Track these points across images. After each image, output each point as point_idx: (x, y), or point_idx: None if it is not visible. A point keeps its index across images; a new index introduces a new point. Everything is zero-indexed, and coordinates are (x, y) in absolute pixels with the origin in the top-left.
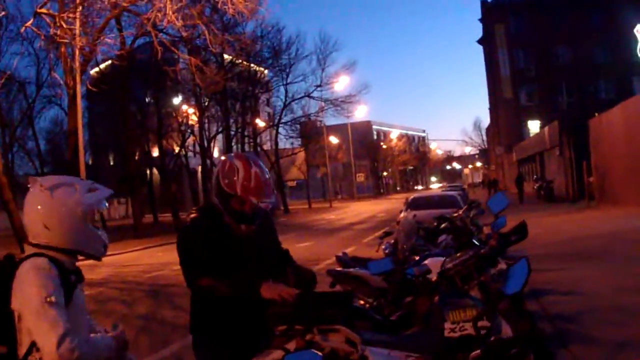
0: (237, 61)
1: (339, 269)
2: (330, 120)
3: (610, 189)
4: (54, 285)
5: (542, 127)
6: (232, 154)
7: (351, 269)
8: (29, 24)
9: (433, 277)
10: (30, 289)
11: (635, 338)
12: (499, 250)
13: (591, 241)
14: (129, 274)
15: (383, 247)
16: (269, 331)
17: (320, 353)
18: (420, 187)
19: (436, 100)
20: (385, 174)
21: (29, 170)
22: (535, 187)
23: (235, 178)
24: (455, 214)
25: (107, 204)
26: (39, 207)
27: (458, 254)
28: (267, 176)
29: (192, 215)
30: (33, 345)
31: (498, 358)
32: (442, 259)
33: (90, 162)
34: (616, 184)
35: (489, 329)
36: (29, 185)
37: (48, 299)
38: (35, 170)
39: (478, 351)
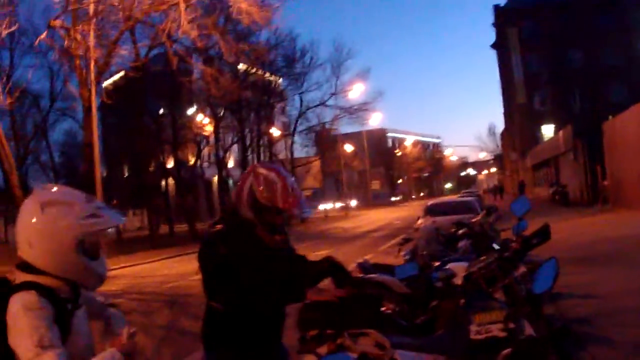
0: (251, 70)
1: (360, 275)
2: (345, 128)
3: (625, 193)
4: (46, 326)
5: (556, 132)
6: (260, 165)
7: (374, 275)
8: (42, 36)
9: (456, 281)
10: (21, 333)
11: None
12: (521, 253)
13: (606, 245)
14: (147, 285)
15: (402, 253)
16: (283, 347)
17: (353, 355)
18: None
19: (450, 106)
20: (400, 181)
21: (43, 182)
22: (550, 191)
23: (274, 190)
24: (474, 220)
25: (111, 229)
26: (26, 220)
27: (482, 258)
28: (298, 188)
29: (218, 227)
30: None
31: (527, 356)
32: (464, 263)
33: (104, 173)
34: (630, 187)
35: (514, 330)
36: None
37: (40, 344)
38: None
39: (508, 350)
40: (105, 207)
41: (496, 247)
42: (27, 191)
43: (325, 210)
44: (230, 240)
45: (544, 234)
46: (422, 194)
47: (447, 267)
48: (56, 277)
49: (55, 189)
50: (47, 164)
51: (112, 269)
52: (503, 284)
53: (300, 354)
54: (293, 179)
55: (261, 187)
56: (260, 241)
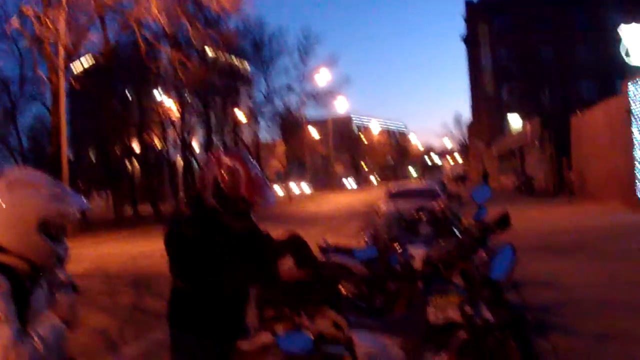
0: (219, 56)
1: (320, 255)
2: (311, 112)
3: (590, 185)
4: (3, 302)
5: (523, 122)
6: (225, 154)
7: (334, 256)
8: (14, 22)
9: (415, 264)
10: None
11: (611, 329)
12: (481, 239)
13: (570, 235)
14: (111, 266)
15: (364, 236)
16: (247, 327)
17: (310, 334)
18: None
19: (418, 94)
20: (365, 168)
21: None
22: (517, 183)
23: (238, 181)
24: (436, 205)
25: (77, 215)
26: None
27: (442, 243)
28: (263, 176)
29: (186, 211)
30: None
31: (483, 341)
32: (423, 248)
33: (71, 157)
34: (595, 180)
35: (472, 315)
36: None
37: None
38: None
39: (464, 333)
40: (71, 192)
41: (457, 232)
42: None
43: (289, 194)
44: (196, 225)
45: (503, 221)
46: (376, 184)
47: (407, 251)
48: (17, 256)
49: (24, 171)
50: (16, 148)
51: (76, 249)
52: (461, 269)
53: (258, 331)
54: (258, 168)
55: (225, 177)
56: (225, 228)
